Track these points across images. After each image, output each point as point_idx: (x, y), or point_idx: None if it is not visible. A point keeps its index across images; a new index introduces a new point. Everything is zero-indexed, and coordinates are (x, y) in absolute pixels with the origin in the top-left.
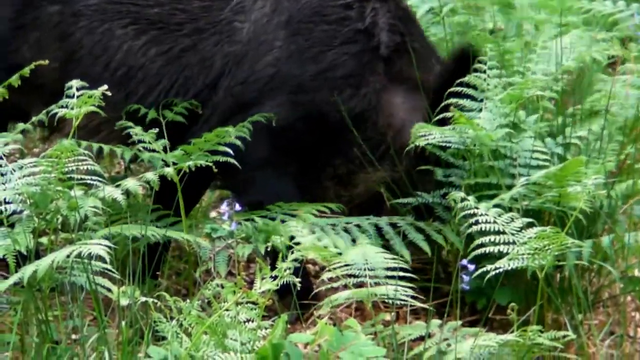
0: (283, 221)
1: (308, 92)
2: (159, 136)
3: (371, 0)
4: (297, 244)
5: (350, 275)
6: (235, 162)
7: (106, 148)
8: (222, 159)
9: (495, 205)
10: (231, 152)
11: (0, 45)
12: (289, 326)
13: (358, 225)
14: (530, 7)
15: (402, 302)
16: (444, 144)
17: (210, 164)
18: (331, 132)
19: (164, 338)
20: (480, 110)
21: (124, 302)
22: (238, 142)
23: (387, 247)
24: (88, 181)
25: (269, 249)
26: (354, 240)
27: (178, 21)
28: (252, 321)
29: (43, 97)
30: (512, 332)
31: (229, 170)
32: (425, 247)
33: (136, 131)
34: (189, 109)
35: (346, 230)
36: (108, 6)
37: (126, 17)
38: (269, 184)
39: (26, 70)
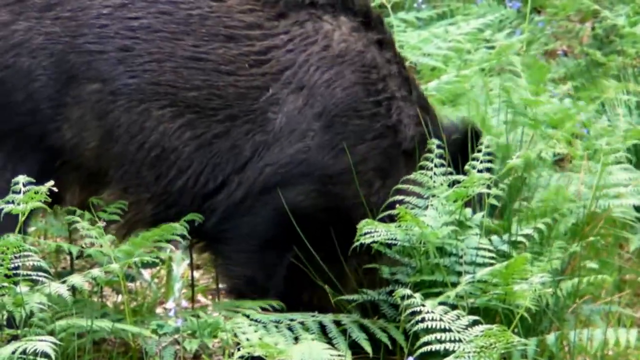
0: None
1: (337, 184)
2: None
3: (396, 99)
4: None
5: None
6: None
7: (52, 245)
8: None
9: (441, 303)
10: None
11: (41, 125)
12: None
13: (302, 323)
14: (477, 104)
15: None
16: (390, 242)
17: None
18: (353, 226)
19: None
20: (426, 207)
21: None
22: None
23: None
24: (34, 277)
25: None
26: (296, 339)
27: (213, 106)
28: None
29: (80, 178)
30: None
31: (229, 239)
32: (367, 347)
33: (83, 225)
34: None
35: (290, 328)
36: (147, 87)
37: (164, 98)
38: (267, 263)
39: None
